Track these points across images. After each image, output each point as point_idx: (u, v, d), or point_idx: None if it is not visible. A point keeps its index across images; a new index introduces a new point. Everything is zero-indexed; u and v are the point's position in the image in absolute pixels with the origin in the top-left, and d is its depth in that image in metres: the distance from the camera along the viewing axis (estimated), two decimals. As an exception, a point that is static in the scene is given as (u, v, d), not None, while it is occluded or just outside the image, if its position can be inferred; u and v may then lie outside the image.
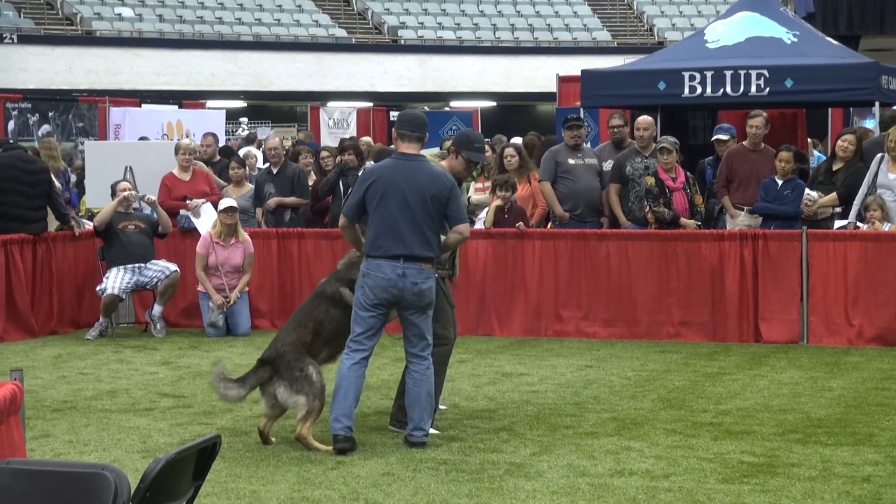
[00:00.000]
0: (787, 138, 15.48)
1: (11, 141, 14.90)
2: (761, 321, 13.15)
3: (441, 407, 9.62)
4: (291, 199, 15.28)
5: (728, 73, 15.12)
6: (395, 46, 44.06)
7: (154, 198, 14.63)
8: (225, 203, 14.23)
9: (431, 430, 8.98)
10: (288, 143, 21.32)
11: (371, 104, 34.82)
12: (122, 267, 13.93)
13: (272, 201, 15.22)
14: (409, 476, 7.88)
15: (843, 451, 8.42)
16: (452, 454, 8.41)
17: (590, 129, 17.87)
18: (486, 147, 15.46)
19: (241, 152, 18.99)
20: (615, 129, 15.04)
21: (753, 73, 15.05)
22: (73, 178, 20.74)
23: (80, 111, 27.38)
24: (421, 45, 44.03)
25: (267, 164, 15.91)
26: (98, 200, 15.17)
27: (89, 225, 15.09)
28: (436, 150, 9.18)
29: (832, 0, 26.17)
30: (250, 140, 23.88)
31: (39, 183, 14.22)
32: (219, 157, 17.31)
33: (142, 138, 21.07)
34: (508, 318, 13.84)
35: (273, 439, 8.84)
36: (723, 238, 13.31)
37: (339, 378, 8.64)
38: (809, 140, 18.05)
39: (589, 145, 15.87)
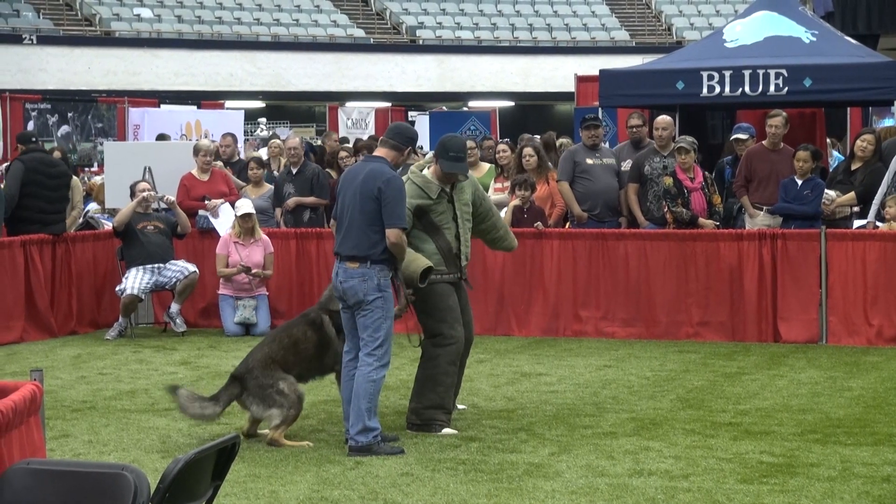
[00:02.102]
0: (806, 138, 15.43)
1: (34, 139, 14.92)
2: (780, 321, 13.12)
3: (460, 407, 9.63)
4: (311, 199, 15.30)
5: (747, 73, 15.07)
6: (414, 46, 44.09)
7: (173, 198, 14.65)
8: (242, 210, 14.25)
9: (448, 431, 8.99)
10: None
11: (389, 104, 34.88)
12: (141, 267, 13.95)
13: (291, 201, 15.25)
14: (427, 476, 7.89)
15: (863, 451, 8.39)
16: (471, 454, 8.42)
17: (608, 129, 17.84)
18: (489, 150, 15.52)
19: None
20: (634, 129, 15.01)
21: (772, 72, 15.00)
22: None
23: (100, 112, 27.50)
24: (439, 45, 44.05)
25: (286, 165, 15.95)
26: (117, 201, 15.20)
27: (108, 225, 15.13)
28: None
29: (851, -1, 26.10)
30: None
31: (60, 187, 14.34)
32: (238, 158, 17.34)
33: (162, 136, 21.12)
34: (527, 318, 13.83)
35: (261, 431, 8.92)
36: (742, 238, 13.28)
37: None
38: (828, 140, 18.00)
39: (607, 145, 15.85)
